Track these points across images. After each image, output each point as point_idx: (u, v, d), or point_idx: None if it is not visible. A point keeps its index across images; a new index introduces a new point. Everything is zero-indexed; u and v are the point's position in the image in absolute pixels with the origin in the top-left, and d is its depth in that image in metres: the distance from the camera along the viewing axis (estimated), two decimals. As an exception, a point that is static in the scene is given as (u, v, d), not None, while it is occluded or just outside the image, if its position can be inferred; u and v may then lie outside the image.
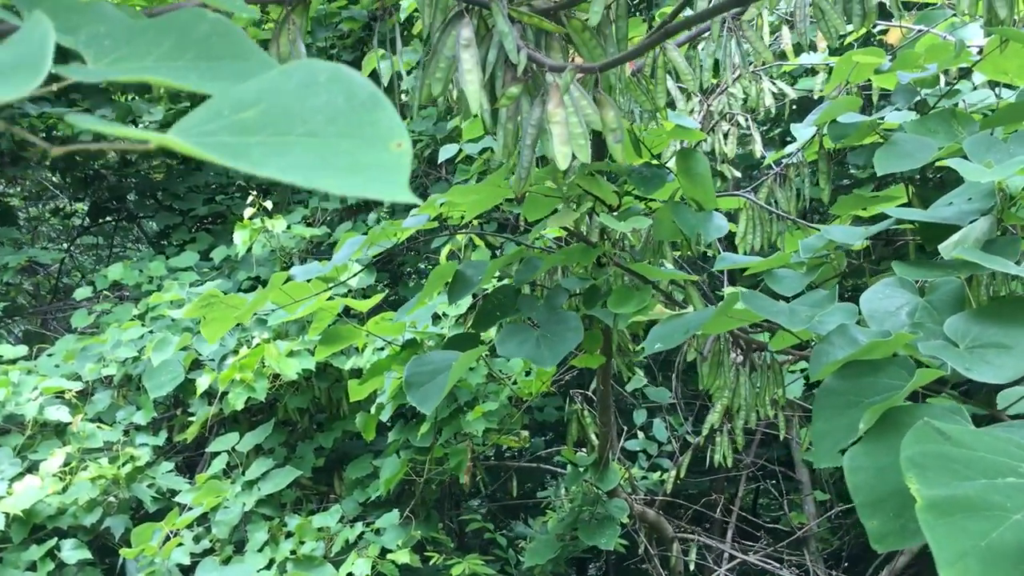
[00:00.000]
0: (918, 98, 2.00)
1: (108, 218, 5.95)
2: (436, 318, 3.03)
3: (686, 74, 1.69)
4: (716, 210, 1.93)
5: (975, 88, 2.21)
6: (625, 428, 4.08)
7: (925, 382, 1.16)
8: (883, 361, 1.25)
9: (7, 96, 0.50)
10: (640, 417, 4.12)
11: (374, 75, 3.44)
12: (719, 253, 2.21)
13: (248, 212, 3.91)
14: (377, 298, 2.58)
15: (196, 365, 3.51)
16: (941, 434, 0.93)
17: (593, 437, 3.18)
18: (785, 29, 2.53)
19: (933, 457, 0.91)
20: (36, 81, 0.51)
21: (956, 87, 2.00)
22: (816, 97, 2.76)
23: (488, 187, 1.86)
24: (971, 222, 1.45)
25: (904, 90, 2.00)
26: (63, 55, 0.66)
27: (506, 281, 2.54)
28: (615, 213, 1.73)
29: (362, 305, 2.42)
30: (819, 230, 2.03)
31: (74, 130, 4.90)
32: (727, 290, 2.96)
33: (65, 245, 6.31)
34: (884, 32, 2.73)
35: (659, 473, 4.13)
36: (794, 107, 3.40)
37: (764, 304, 1.39)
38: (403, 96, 3.99)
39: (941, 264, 1.46)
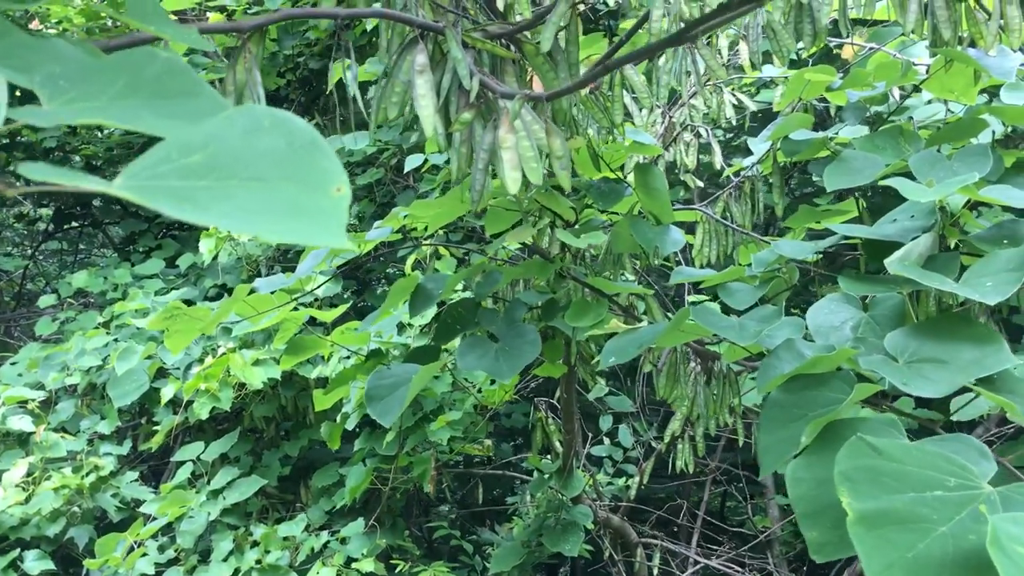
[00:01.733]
0: (868, 114, 2.05)
1: (73, 224, 5.91)
2: (402, 327, 3.05)
3: (642, 92, 1.73)
4: (674, 223, 1.98)
5: (929, 102, 2.27)
6: (591, 434, 4.12)
7: (863, 396, 1.20)
8: (827, 375, 1.29)
9: None
10: (606, 423, 4.16)
11: (341, 84, 3.46)
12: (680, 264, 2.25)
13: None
14: (342, 308, 2.59)
15: (161, 374, 3.50)
16: (873, 449, 0.97)
17: (557, 444, 3.22)
18: (743, 44, 2.59)
19: (864, 471, 0.95)
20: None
21: (906, 105, 2.05)
22: (776, 109, 2.81)
23: (449, 201, 1.89)
24: (913, 239, 1.50)
25: (854, 107, 2.05)
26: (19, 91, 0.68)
27: (468, 293, 2.57)
28: (575, 226, 1.76)
29: (327, 316, 2.44)
30: (771, 244, 2.09)
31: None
32: (691, 299, 3.01)
33: (29, 251, 6.26)
34: (840, 47, 2.79)
35: (624, 479, 4.17)
36: (759, 116, 3.46)
37: (714, 319, 1.43)
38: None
39: (885, 280, 1.50)
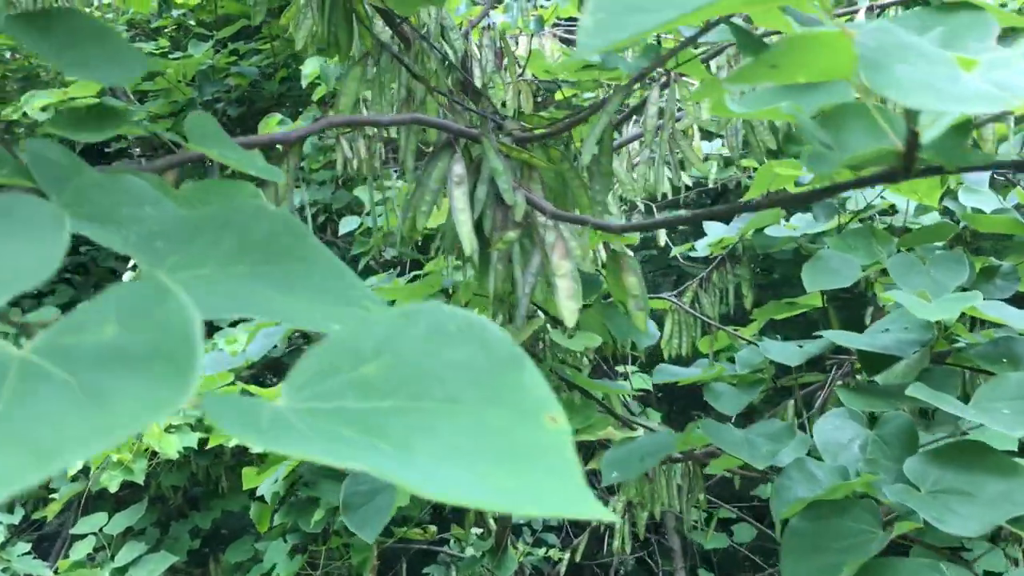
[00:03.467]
0: (838, 211, 2.06)
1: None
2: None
3: (626, 183, 1.68)
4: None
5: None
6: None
7: (903, 532, 1.17)
8: (847, 502, 1.25)
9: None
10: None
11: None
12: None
13: (128, 275, 3.68)
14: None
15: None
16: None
17: (492, 521, 3.12)
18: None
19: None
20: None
21: (872, 204, 2.08)
22: (745, 198, 2.78)
23: (422, 287, 1.80)
24: (914, 353, 1.49)
25: (824, 207, 2.06)
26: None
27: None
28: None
29: (268, 393, 2.30)
30: (744, 338, 2.06)
31: None
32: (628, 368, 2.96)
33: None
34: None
35: (544, 549, 4.08)
36: (695, 189, 3.48)
37: (722, 435, 1.38)
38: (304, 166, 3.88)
39: (884, 393, 1.49)
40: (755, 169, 2.92)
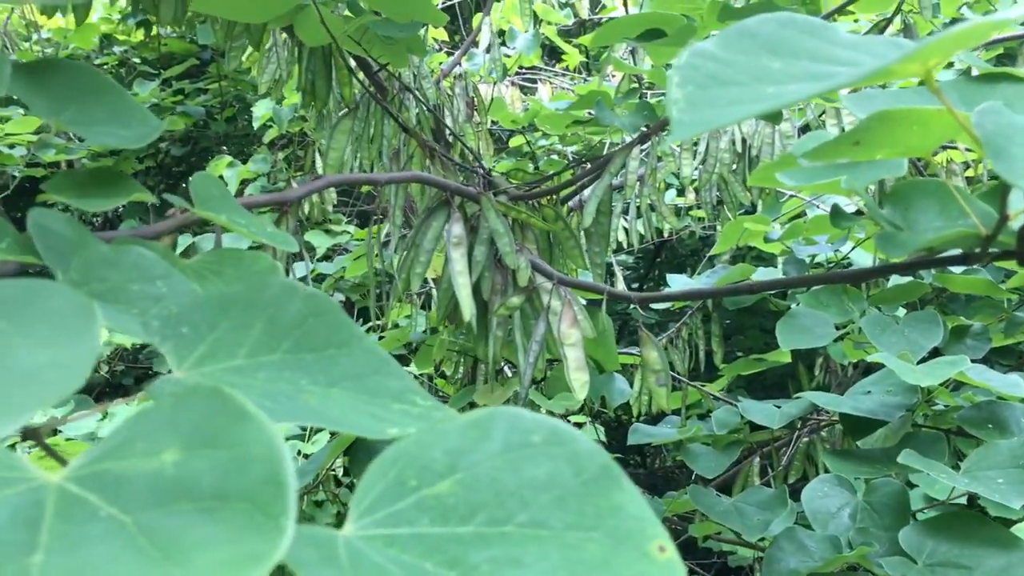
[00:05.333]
0: (808, 267, 2.06)
1: None
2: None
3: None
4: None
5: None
6: None
7: (906, 613, 1.13)
8: (842, 575, 1.22)
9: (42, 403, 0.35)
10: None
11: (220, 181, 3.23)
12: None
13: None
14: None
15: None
16: None
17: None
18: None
19: None
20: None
21: (848, 258, 2.07)
22: (713, 252, 2.76)
23: (390, 341, 1.74)
24: (900, 417, 1.46)
25: (794, 260, 2.05)
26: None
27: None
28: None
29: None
30: (715, 395, 2.04)
31: None
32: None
33: None
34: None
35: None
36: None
37: (712, 504, 1.33)
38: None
39: (870, 458, 1.46)
40: (705, 219, 2.92)
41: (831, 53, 0.47)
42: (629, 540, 0.38)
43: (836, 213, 0.67)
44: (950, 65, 2.13)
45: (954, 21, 3.75)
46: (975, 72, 0.81)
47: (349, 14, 1.18)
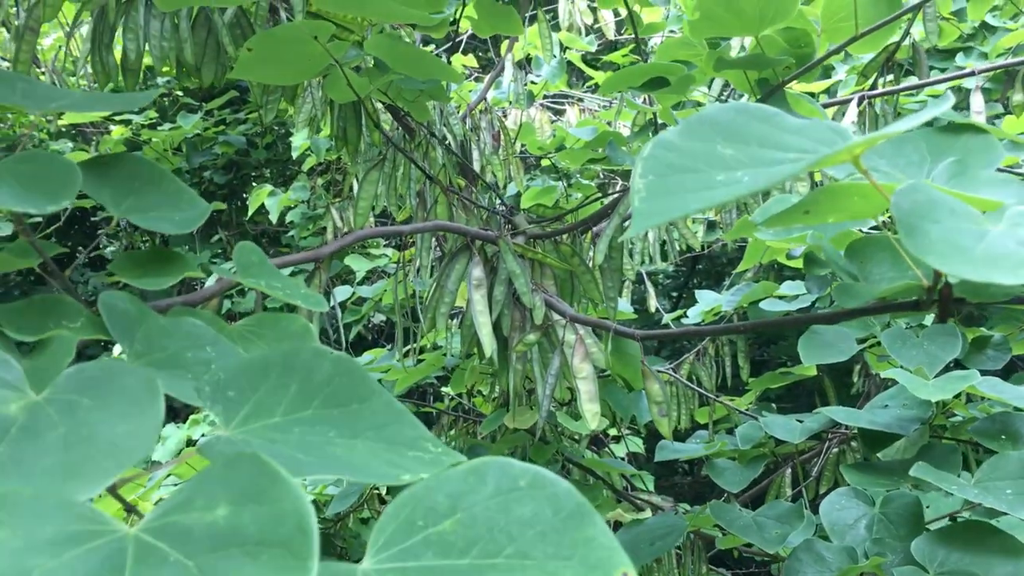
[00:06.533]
0: (831, 285, 2.11)
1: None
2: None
3: (627, 267, 1.72)
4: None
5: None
6: None
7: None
8: (858, 585, 1.28)
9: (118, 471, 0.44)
10: None
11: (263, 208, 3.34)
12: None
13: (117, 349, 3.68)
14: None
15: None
16: None
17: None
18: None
19: None
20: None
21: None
22: (738, 270, 2.82)
23: (425, 367, 1.82)
24: (916, 430, 1.52)
25: (815, 277, 2.11)
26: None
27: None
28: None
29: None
30: (741, 411, 2.09)
31: None
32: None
33: None
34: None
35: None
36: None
37: (732, 517, 1.40)
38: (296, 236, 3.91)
39: (887, 470, 1.51)
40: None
41: (778, 139, 0.54)
42: (599, 568, 0.46)
43: (810, 261, 0.74)
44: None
45: (983, 26, 3.75)
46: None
47: (375, 67, 1.28)
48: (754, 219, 0.64)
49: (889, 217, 0.90)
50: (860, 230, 1.57)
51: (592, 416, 0.97)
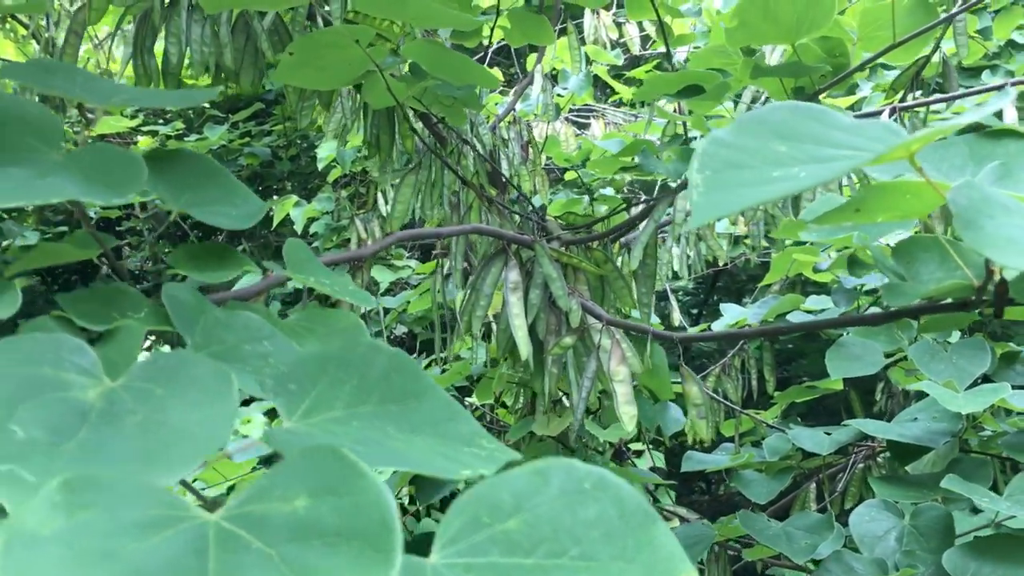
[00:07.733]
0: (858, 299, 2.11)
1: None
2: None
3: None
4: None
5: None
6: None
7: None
8: (889, 597, 1.27)
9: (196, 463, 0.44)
10: None
11: (288, 219, 3.36)
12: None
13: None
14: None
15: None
16: None
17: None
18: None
19: None
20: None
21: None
22: (764, 283, 2.81)
23: (451, 375, 1.83)
24: (945, 443, 1.51)
25: (843, 290, 2.10)
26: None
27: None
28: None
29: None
30: (768, 423, 2.09)
31: None
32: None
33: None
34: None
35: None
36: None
37: (761, 527, 1.39)
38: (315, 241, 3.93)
39: (917, 483, 1.51)
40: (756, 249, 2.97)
41: (831, 136, 0.55)
42: (663, 570, 0.46)
43: (853, 263, 0.74)
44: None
45: (1009, 44, 3.75)
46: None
47: (411, 73, 1.29)
48: (803, 217, 0.64)
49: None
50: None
51: (629, 419, 0.97)
